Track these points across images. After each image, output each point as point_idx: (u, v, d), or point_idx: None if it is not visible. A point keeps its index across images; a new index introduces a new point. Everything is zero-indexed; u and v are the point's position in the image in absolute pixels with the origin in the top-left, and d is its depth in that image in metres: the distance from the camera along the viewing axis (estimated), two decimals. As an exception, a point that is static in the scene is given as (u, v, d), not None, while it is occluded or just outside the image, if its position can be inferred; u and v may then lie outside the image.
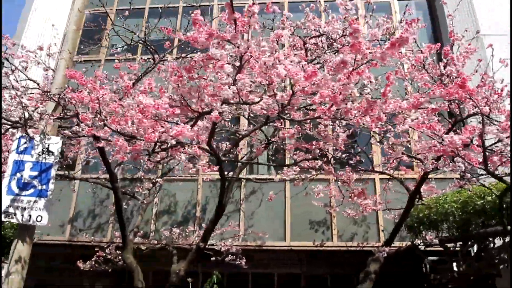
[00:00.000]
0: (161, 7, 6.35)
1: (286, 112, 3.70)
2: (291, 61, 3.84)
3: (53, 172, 4.56)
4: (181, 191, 9.56)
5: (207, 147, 4.39)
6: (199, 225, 9.00)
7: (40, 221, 4.36)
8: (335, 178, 8.14)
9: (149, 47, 5.30)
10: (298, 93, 3.29)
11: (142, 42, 5.37)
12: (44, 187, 4.47)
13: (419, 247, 6.73)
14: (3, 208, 4.26)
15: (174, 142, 3.45)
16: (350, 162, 6.46)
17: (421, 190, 7.25)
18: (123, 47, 7.66)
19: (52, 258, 9.27)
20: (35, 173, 4.49)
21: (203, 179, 9.52)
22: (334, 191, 8.44)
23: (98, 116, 3.58)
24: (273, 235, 9.03)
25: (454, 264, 6.75)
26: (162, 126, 3.43)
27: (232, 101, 3.37)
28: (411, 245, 6.59)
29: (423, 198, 6.66)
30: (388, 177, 7.44)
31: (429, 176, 7.83)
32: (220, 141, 7.46)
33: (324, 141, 4.28)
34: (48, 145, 4.61)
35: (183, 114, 3.82)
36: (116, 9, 11.64)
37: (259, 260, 8.97)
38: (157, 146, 3.63)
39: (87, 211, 9.54)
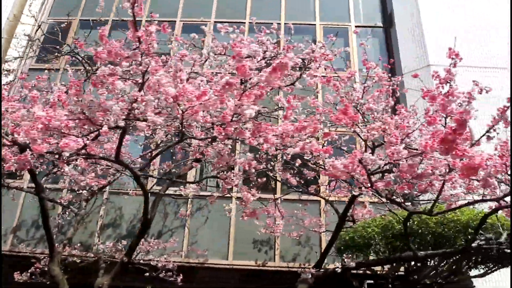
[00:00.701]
0: (93, 20, 6.49)
1: (185, 129, 3.82)
2: (201, 81, 4.03)
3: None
4: (128, 204, 9.54)
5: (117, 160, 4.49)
6: (146, 240, 8.96)
7: None
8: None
9: (80, 59, 5.42)
10: (187, 112, 3.43)
11: (72, 54, 5.49)
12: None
13: (352, 270, 6.85)
14: None
15: (67, 154, 3.53)
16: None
17: (359, 214, 7.48)
18: (56, 57, 7.70)
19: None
20: None
21: (150, 193, 9.52)
22: (278, 211, 8.62)
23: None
24: (216, 253, 9.05)
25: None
26: (57, 137, 3.53)
27: (123, 117, 3.48)
28: (337, 267, 6.69)
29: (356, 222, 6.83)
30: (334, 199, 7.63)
31: (363, 199, 8.05)
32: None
33: (222, 160, 4.41)
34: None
35: (88, 126, 3.91)
36: (79, 19, 11.77)
37: (201, 277, 8.96)
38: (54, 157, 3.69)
39: (31, 221, 9.43)
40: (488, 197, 4.51)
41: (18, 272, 8.02)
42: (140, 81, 3.71)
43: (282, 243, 9.09)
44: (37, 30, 8.39)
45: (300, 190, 7.42)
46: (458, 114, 2.79)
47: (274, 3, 11.96)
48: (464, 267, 6.12)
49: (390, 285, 6.78)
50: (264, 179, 7.33)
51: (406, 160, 3.30)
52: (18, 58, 6.33)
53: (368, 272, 6.98)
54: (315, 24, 11.41)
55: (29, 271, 7.86)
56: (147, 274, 7.57)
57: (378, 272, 6.82)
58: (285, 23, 11.58)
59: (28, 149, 3.53)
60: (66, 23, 10.55)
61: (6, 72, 5.30)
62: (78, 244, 8.46)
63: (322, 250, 8.91)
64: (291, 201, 8.97)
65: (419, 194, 4.17)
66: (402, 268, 6.67)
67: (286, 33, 11.43)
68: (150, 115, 3.67)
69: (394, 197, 4.43)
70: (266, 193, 8.15)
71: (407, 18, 10.90)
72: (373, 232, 5.79)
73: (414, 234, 5.49)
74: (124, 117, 3.59)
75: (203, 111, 3.68)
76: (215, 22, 11.64)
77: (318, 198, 9.25)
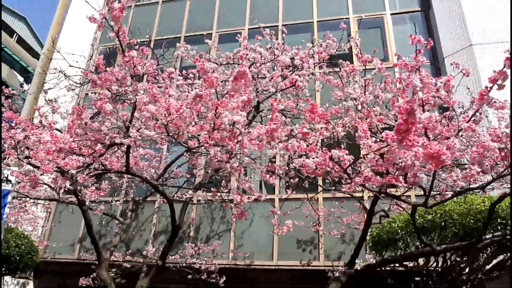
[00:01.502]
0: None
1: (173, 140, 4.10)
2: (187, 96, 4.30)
3: (9, 197, 5.27)
4: (177, 211, 10.08)
5: (131, 174, 4.90)
6: (195, 244, 9.45)
7: (-5, 240, 5.06)
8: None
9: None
10: (171, 125, 3.70)
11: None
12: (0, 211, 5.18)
13: (380, 266, 6.68)
14: (-36, 229, 5.01)
15: (74, 172, 3.98)
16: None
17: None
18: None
19: (64, 275, 10.14)
20: (-6, 199, 5.23)
21: (197, 200, 10.03)
22: (322, 211, 8.68)
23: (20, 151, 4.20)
24: (262, 254, 9.26)
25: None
26: (63, 158, 3.99)
27: (115, 135, 3.85)
28: (369, 264, 6.56)
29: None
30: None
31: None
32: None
33: (210, 166, 4.60)
34: (7, 175, 5.34)
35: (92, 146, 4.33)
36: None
37: (249, 278, 9.25)
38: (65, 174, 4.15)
39: (95, 231, 10.35)
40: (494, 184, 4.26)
41: (83, 277, 8.90)
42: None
43: (325, 242, 9.06)
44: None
45: (333, 188, 7.42)
46: (405, 103, 2.75)
47: (306, 2, 11.94)
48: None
49: (430, 282, 6.52)
50: (297, 179, 7.44)
51: (375, 153, 3.27)
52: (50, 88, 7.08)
53: (401, 268, 6.75)
54: (348, 18, 11.20)
55: (91, 276, 8.67)
56: (190, 276, 7.98)
57: (413, 268, 6.55)
58: (318, 21, 11.53)
59: (37, 168, 4.01)
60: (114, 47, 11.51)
61: (48, 101, 5.99)
62: (129, 251, 9.20)
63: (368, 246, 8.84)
64: (327, 200, 8.95)
65: (410, 186, 3.99)
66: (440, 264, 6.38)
67: (320, 30, 11.40)
68: (142, 131, 4.02)
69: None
70: (300, 193, 8.19)
71: (445, -1, 10.32)
72: (397, 228, 5.62)
73: (436, 227, 5.26)
74: (116, 135, 3.96)
75: (192, 123, 3.93)
76: (249, 29, 11.92)
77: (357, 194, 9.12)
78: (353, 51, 11.12)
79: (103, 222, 10.39)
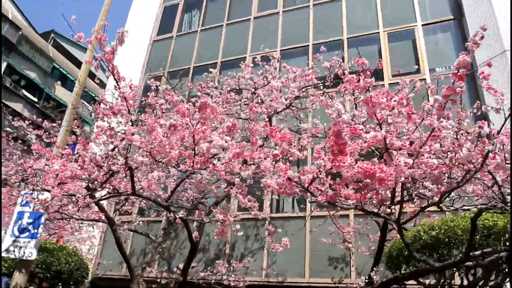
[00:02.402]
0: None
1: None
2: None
3: (42, 219, 5.98)
4: (214, 230, 10.51)
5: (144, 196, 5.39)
6: (228, 262, 9.78)
7: (30, 256, 5.76)
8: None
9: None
10: (154, 152, 4.12)
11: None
12: (35, 231, 5.90)
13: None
14: (5, 247, 5.77)
15: (80, 195, 4.53)
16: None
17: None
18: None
19: (113, 291, 10.94)
20: (30, 220, 5.97)
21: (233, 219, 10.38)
22: (350, 228, 8.65)
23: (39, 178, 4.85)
24: (294, 272, 9.35)
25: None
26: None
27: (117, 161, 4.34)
28: (382, 282, 6.45)
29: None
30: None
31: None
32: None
33: (198, 187, 4.90)
34: (40, 198, 6.06)
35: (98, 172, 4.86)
36: (168, 71, 13.58)
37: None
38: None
39: (140, 250, 11.08)
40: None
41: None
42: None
43: (357, 259, 8.95)
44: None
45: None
46: (333, 125, 2.92)
47: (335, 20, 12.06)
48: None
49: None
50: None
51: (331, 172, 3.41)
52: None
53: (419, 286, 6.53)
54: (378, 32, 11.15)
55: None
56: (219, 292, 8.31)
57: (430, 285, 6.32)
58: (347, 38, 11.59)
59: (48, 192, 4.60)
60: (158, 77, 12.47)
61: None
62: (168, 267, 9.71)
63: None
64: (355, 216, 8.91)
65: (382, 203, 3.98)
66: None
67: (351, 46, 11.46)
68: (136, 158, 4.48)
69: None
70: (326, 211, 8.24)
71: (477, 5, 9.93)
72: (403, 244, 5.53)
73: (441, 244, 5.12)
74: (115, 161, 4.45)
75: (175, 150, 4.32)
76: (281, 50, 12.27)
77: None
78: (383, 66, 11.09)
79: (147, 242, 11.08)
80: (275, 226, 10.13)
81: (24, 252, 5.78)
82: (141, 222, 10.53)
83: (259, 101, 5.69)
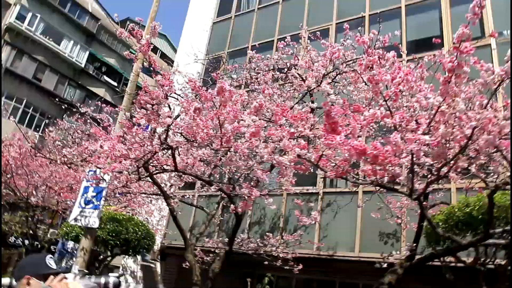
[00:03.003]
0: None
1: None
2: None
3: (104, 192, 6.77)
4: (270, 204, 10.94)
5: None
6: (281, 234, 10.19)
7: (94, 225, 6.59)
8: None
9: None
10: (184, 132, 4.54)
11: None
12: (98, 203, 6.70)
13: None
14: (73, 216, 6.66)
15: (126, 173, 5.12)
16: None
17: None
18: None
19: (181, 258, 11.88)
20: (94, 194, 6.78)
21: (287, 193, 10.73)
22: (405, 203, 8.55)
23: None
24: (344, 246, 9.51)
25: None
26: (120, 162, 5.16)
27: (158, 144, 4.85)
28: (424, 256, 6.40)
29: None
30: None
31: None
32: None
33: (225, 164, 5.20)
34: (103, 175, 6.85)
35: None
36: (227, 52, 14.02)
37: (333, 267, 9.62)
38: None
39: (202, 222, 11.87)
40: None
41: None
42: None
43: (408, 235, 8.85)
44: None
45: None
46: (323, 106, 3.08)
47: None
48: None
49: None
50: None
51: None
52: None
53: (460, 264, 6.37)
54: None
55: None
56: (266, 263, 8.72)
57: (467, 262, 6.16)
58: (406, 5, 11.12)
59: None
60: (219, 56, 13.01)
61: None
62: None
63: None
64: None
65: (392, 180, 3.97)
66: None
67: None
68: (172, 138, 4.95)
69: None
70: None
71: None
72: (437, 220, 5.48)
73: (476, 221, 5.01)
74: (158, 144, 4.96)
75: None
76: (336, 24, 12.10)
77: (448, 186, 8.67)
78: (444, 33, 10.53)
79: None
80: (327, 201, 10.32)
81: (89, 221, 6.62)
82: (203, 196, 11.26)
83: (294, 79, 5.85)
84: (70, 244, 12.00)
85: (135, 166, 5.21)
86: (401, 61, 5.42)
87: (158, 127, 4.83)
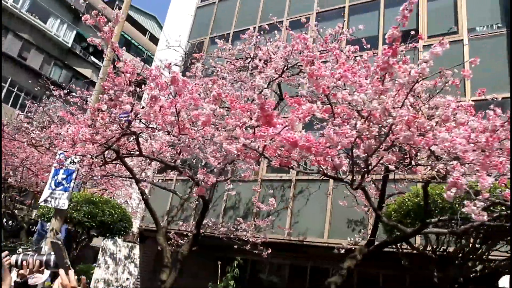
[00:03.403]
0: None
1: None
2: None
3: (74, 175, 6.92)
4: (244, 190, 11.18)
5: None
6: (254, 219, 10.44)
7: (63, 206, 6.76)
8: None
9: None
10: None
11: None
12: (68, 185, 6.86)
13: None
14: (44, 197, 6.81)
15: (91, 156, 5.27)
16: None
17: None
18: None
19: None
20: (64, 176, 6.93)
21: (261, 179, 10.97)
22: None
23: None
24: (314, 232, 9.79)
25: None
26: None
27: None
28: (379, 244, 6.66)
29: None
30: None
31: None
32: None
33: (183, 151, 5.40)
34: (73, 158, 6.99)
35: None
36: (209, 37, 14.07)
37: (303, 252, 9.92)
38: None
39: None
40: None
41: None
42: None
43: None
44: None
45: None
46: (257, 99, 3.25)
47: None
48: None
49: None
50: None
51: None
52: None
53: (415, 251, 6.67)
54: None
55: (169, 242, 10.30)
56: (236, 246, 8.99)
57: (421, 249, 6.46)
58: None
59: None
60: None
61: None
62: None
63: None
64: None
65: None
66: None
67: (388, 6, 11.17)
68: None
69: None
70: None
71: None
72: (391, 210, 5.73)
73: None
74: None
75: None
76: (317, 13, 12.18)
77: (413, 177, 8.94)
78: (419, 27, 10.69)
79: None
80: (300, 188, 10.57)
81: (58, 202, 6.78)
82: (179, 180, 11.44)
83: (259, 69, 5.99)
84: (49, 225, 12.15)
85: (99, 150, 5.35)
86: (361, 55, 5.58)
87: (119, 113, 4.96)
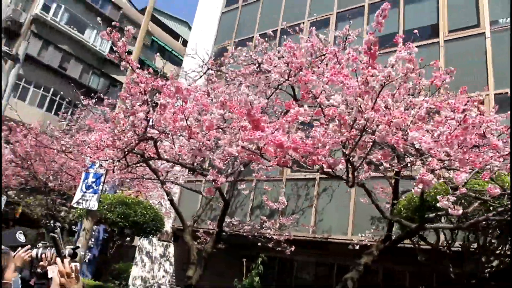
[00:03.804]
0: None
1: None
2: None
3: (102, 178, 7.44)
4: (270, 189, 11.45)
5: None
6: (279, 218, 10.69)
7: (93, 207, 7.29)
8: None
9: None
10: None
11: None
12: (97, 187, 7.39)
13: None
14: (76, 199, 7.37)
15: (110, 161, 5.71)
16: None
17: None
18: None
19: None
20: (93, 179, 7.47)
21: (286, 179, 11.20)
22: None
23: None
24: (338, 229, 9.91)
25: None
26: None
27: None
28: (392, 240, 6.72)
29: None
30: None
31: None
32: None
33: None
34: (101, 162, 7.50)
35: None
36: (233, 41, 14.41)
37: (328, 249, 10.08)
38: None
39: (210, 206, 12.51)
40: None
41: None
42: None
43: (397, 219, 9.16)
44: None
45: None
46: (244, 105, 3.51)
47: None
48: None
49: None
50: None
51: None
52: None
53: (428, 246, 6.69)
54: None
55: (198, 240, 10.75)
56: (260, 244, 9.26)
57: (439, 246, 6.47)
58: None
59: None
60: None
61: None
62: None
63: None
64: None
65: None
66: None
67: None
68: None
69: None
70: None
71: None
72: (401, 206, 5.82)
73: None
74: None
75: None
76: (337, 13, 12.26)
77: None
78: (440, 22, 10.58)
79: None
80: (324, 186, 10.70)
81: (89, 204, 7.32)
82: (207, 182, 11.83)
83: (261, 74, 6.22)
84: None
85: (119, 155, 5.78)
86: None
87: (135, 120, 5.36)
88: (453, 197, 2.86)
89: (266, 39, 7.29)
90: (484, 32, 9.72)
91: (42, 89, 24.99)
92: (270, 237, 9.42)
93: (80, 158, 8.40)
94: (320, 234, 10.09)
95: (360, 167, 4.18)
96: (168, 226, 13.24)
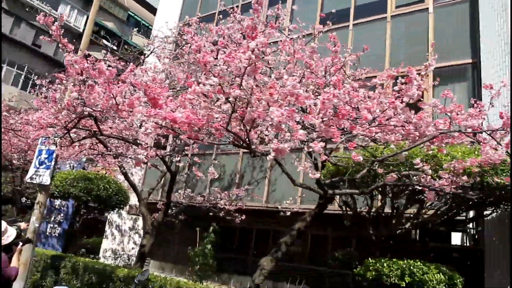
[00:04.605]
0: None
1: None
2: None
3: (54, 154, 7.86)
4: (227, 162, 12.01)
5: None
6: (236, 189, 11.28)
7: (46, 182, 7.74)
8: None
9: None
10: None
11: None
12: (50, 163, 7.82)
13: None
14: (30, 175, 7.81)
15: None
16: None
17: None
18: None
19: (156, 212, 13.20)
20: (46, 156, 7.89)
21: (243, 152, 11.74)
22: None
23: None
24: (288, 199, 10.55)
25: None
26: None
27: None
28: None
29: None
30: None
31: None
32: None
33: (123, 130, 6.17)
34: (54, 140, 7.91)
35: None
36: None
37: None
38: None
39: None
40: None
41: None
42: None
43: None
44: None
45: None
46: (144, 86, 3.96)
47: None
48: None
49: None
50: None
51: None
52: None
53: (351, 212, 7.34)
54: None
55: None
56: (211, 214, 9.87)
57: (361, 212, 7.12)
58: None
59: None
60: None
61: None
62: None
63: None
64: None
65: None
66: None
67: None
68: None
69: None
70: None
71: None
72: (321, 175, 6.40)
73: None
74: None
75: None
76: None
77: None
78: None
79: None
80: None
81: (42, 179, 7.77)
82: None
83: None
84: (57, 202, 13.38)
85: (61, 132, 6.21)
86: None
87: (70, 99, 5.78)
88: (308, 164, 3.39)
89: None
90: (428, 8, 10.18)
91: (16, 67, 24.90)
92: (222, 207, 10.01)
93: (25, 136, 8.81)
94: (272, 204, 10.73)
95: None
96: (134, 200, 13.77)
